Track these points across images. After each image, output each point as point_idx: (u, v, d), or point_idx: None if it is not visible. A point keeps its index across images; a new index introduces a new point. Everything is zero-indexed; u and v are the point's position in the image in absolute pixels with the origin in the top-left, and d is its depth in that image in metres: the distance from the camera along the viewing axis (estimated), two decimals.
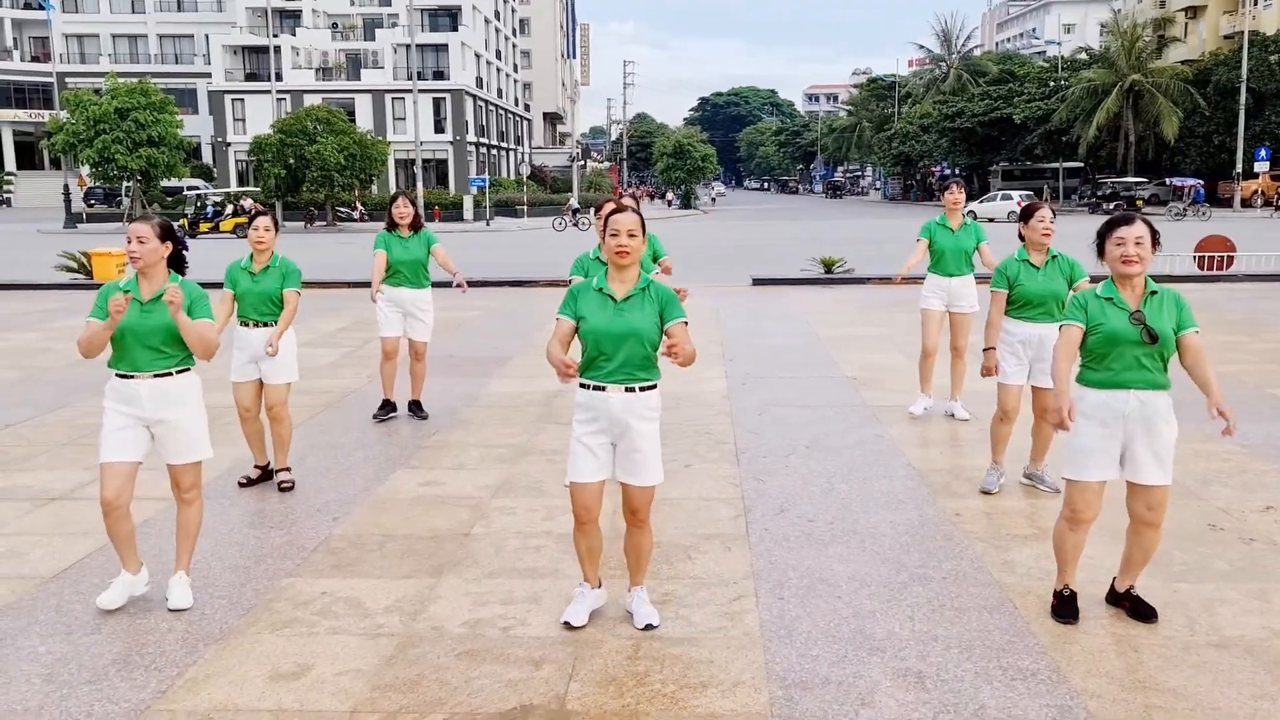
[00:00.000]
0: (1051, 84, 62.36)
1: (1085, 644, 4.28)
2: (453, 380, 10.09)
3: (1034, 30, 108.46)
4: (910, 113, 77.21)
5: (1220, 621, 4.48)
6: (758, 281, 19.26)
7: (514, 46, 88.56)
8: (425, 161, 58.12)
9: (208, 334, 4.64)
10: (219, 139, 65.24)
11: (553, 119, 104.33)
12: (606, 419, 4.28)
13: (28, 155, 74.94)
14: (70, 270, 20.58)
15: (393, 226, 8.18)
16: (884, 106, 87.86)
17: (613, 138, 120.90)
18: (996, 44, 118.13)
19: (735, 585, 4.94)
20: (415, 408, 8.56)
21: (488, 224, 48.07)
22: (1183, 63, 58.48)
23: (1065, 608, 4.51)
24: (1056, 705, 3.80)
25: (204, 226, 41.55)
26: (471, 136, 66.54)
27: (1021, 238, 6.29)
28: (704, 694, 3.91)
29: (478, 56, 70.91)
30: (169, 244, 4.68)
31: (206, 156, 70.18)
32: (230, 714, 3.80)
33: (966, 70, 77.87)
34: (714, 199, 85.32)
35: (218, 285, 6.75)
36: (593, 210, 7.07)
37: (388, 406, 8.56)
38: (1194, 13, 63.61)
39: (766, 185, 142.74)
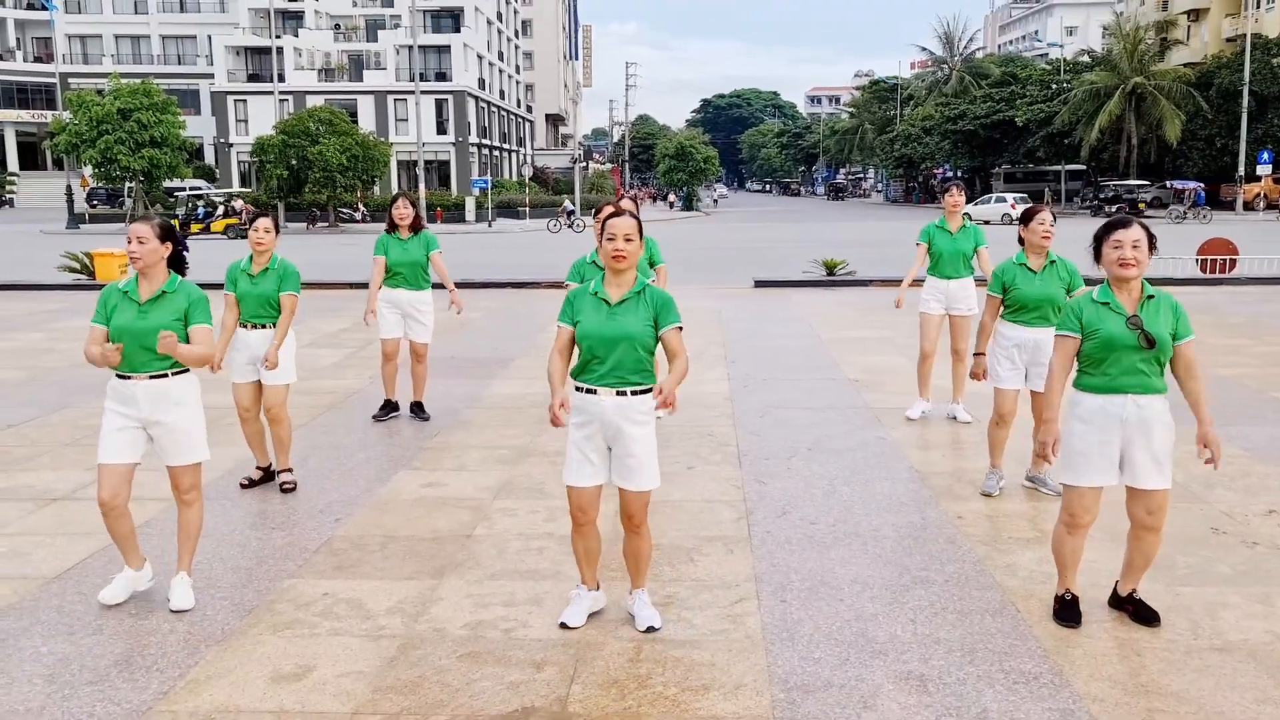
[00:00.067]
0: (1054, 86, 62.34)
1: (1088, 648, 4.28)
2: (455, 381, 10.09)
3: (1036, 33, 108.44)
4: (912, 115, 77.20)
5: (1223, 625, 4.47)
6: (760, 284, 19.26)
7: (516, 48, 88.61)
8: (427, 163, 58.18)
9: (204, 352, 4.66)
10: (221, 140, 65.30)
11: (555, 120, 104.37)
12: (599, 422, 4.27)
13: (31, 156, 75.02)
14: (73, 271, 20.60)
15: (393, 228, 8.19)
16: (886, 108, 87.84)
17: (615, 139, 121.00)
18: (999, 46, 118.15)
19: (737, 588, 4.94)
20: (417, 409, 8.56)
21: (490, 225, 48.10)
22: (1185, 65, 58.47)
23: (1067, 612, 4.50)
24: (1059, 709, 3.79)
25: (195, 227, 41.50)
26: (474, 138, 66.57)
27: (1021, 241, 6.28)
28: (706, 696, 3.90)
29: (480, 58, 70.96)
30: (169, 244, 4.69)
31: (209, 157, 70.23)
32: (232, 715, 3.80)
33: (969, 72, 77.85)
34: (716, 201, 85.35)
35: (211, 285, 6.75)
36: (592, 212, 7.07)
37: (389, 407, 8.56)
38: (1196, 15, 63.61)
39: (768, 187, 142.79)
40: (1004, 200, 50.05)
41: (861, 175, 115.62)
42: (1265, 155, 48.77)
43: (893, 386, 9.60)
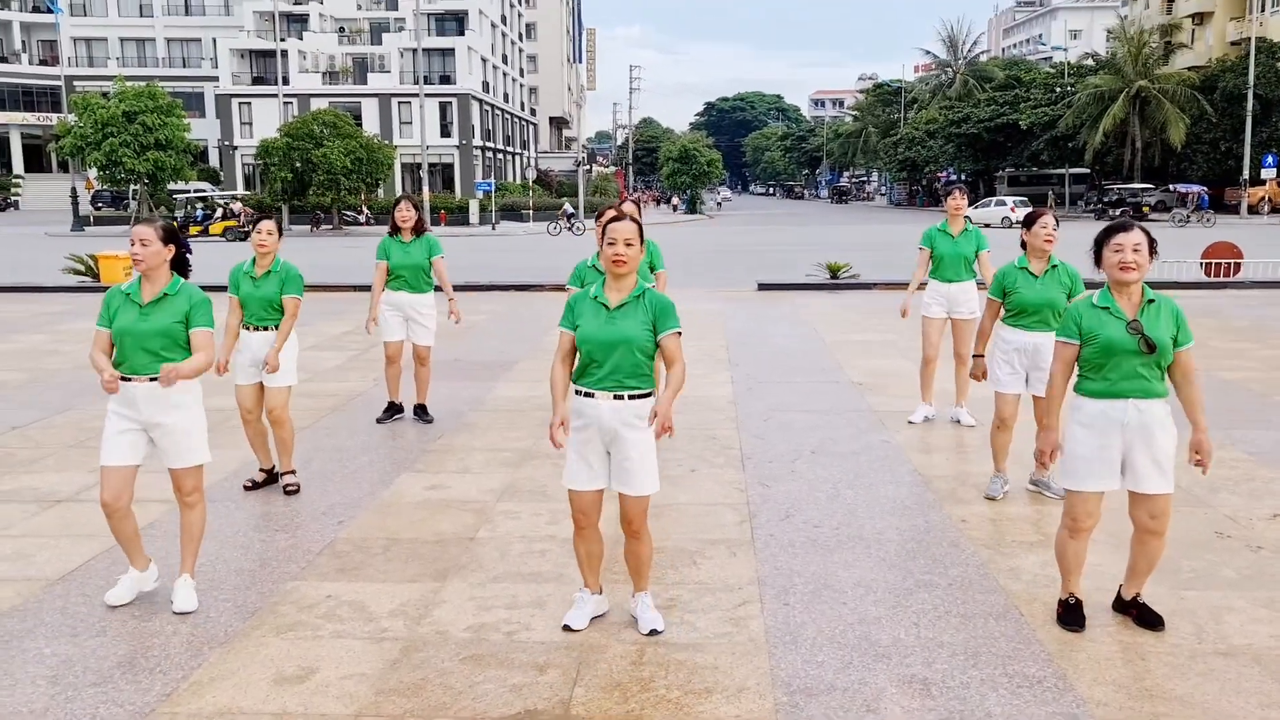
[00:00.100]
0: (1058, 90, 62.30)
1: (1091, 651, 4.27)
2: (459, 384, 10.10)
3: (1040, 36, 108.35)
4: (916, 118, 77.19)
5: (1228, 629, 4.46)
6: (763, 286, 19.26)
7: (520, 51, 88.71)
8: (431, 166, 58.25)
9: (205, 359, 4.66)
10: (226, 142, 65.40)
11: (559, 123, 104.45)
12: (596, 426, 4.27)
13: (36, 158, 75.23)
14: (77, 273, 20.63)
15: (395, 231, 8.21)
16: (890, 112, 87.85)
17: (619, 142, 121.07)
18: (1003, 50, 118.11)
19: (740, 591, 4.94)
20: (420, 411, 8.56)
21: (493, 228, 48.15)
22: (1190, 69, 58.43)
23: (1071, 615, 4.49)
24: (1063, 713, 3.78)
25: (193, 230, 41.53)
26: (478, 141, 66.63)
27: (1024, 245, 6.28)
28: (709, 699, 3.90)
29: (484, 61, 71.03)
30: (171, 247, 4.70)
31: (213, 160, 70.36)
32: (234, 717, 3.80)
33: (973, 76, 77.84)
34: (719, 204, 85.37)
35: (210, 288, 6.76)
36: (594, 216, 7.06)
37: (393, 409, 8.57)
38: (1201, 19, 63.53)
39: (772, 190, 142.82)
40: (1004, 203, 50.04)
41: (865, 178, 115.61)
42: (1270, 159, 48.69)
43: (896, 390, 9.59)
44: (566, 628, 4.48)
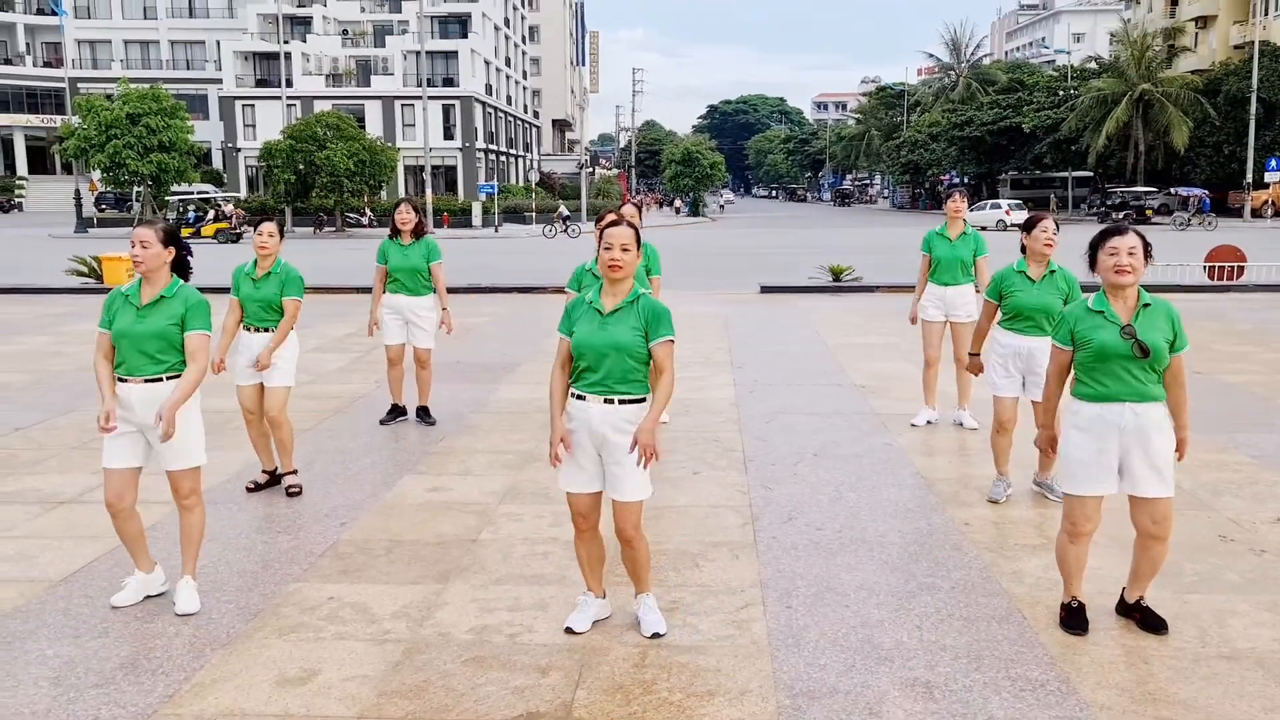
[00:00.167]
0: (1061, 93, 62.29)
1: (1095, 655, 4.26)
2: (461, 386, 10.10)
3: (1043, 39, 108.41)
4: (919, 121, 77.20)
5: (1231, 633, 4.45)
6: (766, 289, 19.25)
7: (523, 54, 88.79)
8: (434, 168, 58.31)
9: (199, 369, 4.66)
10: (229, 144, 65.50)
11: (561, 126, 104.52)
12: (586, 429, 4.27)
13: (40, 160, 75.35)
14: (81, 275, 20.66)
15: (395, 233, 8.24)
16: (893, 115, 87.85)
17: (621, 145, 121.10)
18: (1006, 53, 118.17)
19: (743, 593, 4.93)
20: (423, 413, 8.57)
21: (496, 230, 48.18)
22: (1193, 72, 58.40)
23: (1074, 619, 4.49)
24: (1066, 717, 3.78)
25: (185, 231, 41.51)
26: (480, 143, 66.69)
27: (1024, 248, 6.27)
28: (711, 702, 3.90)
29: (487, 64, 71.10)
30: (172, 249, 4.70)
31: (217, 162, 70.47)
32: (236, 718, 3.80)
33: (975, 79, 77.82)
34: (722, 207, 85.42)
35: (204, 289, 6.77)
36: (594, 219, 7.06)
37: (396, 411, 8.58)
38: (1204, 22, 63.50)
39: (775, 193, 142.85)
40: (999, 206, 50.02)
41: (868, 181, 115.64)
42: (1273, 162, 48.62)
43: (899, 392, 9.58)
44: (569, 630, 4.48)
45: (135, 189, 48.94)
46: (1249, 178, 50.15)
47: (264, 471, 6.74)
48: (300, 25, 68.09)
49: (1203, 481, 6.64)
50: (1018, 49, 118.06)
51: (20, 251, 33.26)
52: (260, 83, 65.72)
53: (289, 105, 57.34)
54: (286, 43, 60.59)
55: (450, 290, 9.17)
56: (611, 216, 5.17)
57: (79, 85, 65.87)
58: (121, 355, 4.67)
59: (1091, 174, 62.39)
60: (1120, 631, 4.47)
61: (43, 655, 4.32)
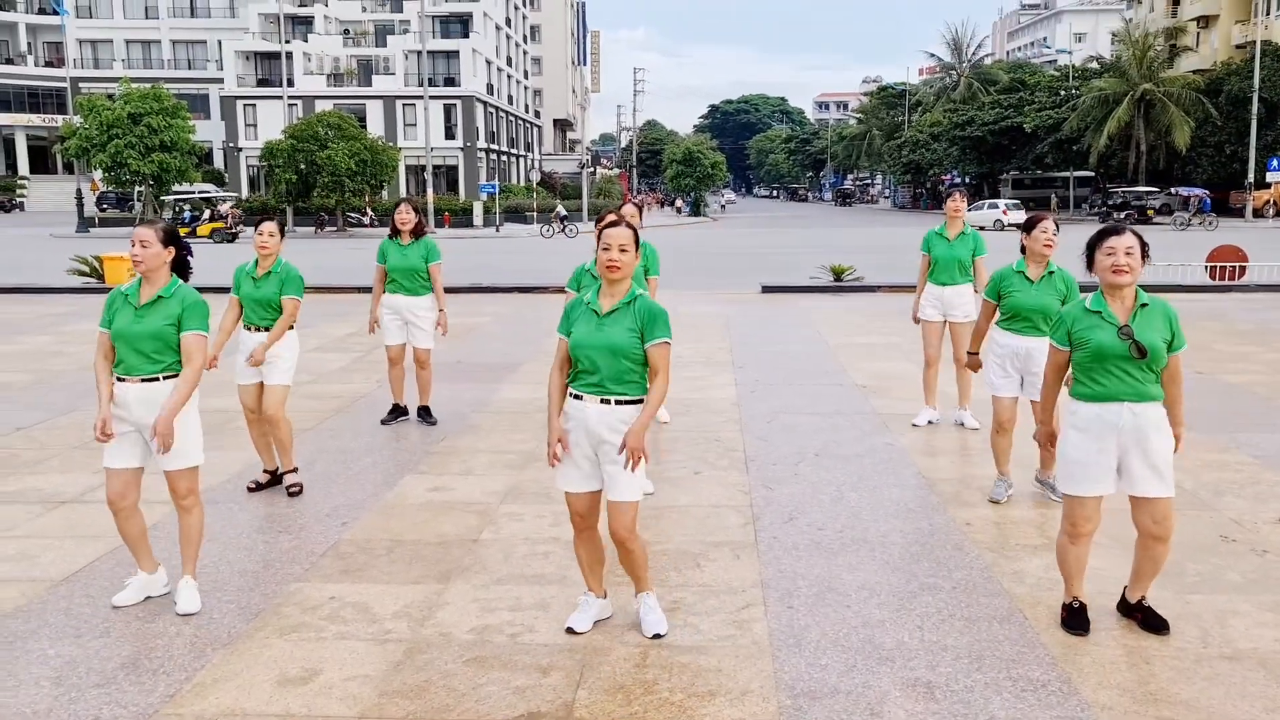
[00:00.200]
0: (1062, 93, 62.26)
1: (1096, 655, 4.26)
2: (463, 386, 10.10)
3: (1045, 39, 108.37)
4: (920, 121, 77.18)
5: (1233, 634, 4.45)
6: (767, 289, 19.25)
7: (525, 53, 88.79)
8: (436, 167, 58.32)
9: (195, 371, 4.64)
10: (231, 144, 65.53)
11: (563, 125, 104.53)
12: (583, 429, 4.27)
13: (41, 159, 75.41)
14: (82, 274, 20.67)
15: (395, 233, 8.25)
16: (894, 115, 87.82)
17: (622, 144, 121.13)
18: (1007, 53, 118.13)
19: (744, 593, 4.93)
20: (424, 413, 8.57)
21: (497, 230, 48.19)
22: (1194, 72, 58.36)
23: (1075, 619, 4.49)
24: (1067, 717, 3.77)
25: (181, 231, 41.33)
26: (482, 143, 66.71)
27: (1024, 249, 6.27)
28: (712, 702, 3.89)
29: (489, 63, 71.11)
30: (172, 249, 4.71)
31: (218, 162, 70.50)
32: (238, 718, 3.80)
33: (977, 79, 77.80)
34: (723, 206, 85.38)
35: (201, 289, 6.77)
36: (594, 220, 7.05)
37: (397, 411, 8.59)
38: (1206, 22, 63.47)
39: (776, 193, 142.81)
40: (995, 206, 50.02)
41: (869, 181, 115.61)
42: (1275, 162, 48.54)
43: (900, 392, 9.58)
44: (570, 630, 4.47)
45: (137, 189, 48.95)
46: (1250, 178, 50.12)
47: (265, 471, 6.74)
48: (301, 25, 68.11)
49: (1204, 482, 6.63)
50: (1019, 49, 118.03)
51: (22, 251, 33.29)
52: (262, 82, 65.73)
53: (290, 105, 57.36)
54: (288, 42, 60.60)
55: (452, 290, 9.18)
56: (612, 217, 5.16)
57: (80, 85, 65.87)
58: (120, 354, 4.68)
59: (1093, 174, 62.36)
60: (1122, 632, 4.47)
61: (44, 655, 4.32)
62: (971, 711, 3.82)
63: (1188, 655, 4.25)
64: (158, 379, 4.66)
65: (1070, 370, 4.48)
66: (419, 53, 57.13)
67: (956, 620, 4.61)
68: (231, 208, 44.08)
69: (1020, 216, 46.14)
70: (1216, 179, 54.30)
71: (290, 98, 58.12)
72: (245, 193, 61.83)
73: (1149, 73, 55.57)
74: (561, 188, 69.29)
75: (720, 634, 4.48)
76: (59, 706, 3.89)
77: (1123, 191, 53.13)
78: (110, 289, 14.99)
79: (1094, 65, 65.36)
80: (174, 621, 4.64)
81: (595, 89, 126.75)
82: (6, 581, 5.13)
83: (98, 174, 49.87)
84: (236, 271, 6.60)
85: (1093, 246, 4.38)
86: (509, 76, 79.64)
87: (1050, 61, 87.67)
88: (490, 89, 70.82)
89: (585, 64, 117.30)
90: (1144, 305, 4.30)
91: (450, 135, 64.57)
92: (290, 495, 6.54)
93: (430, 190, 49.98)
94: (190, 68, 76.45)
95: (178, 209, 43.96)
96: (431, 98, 55.00)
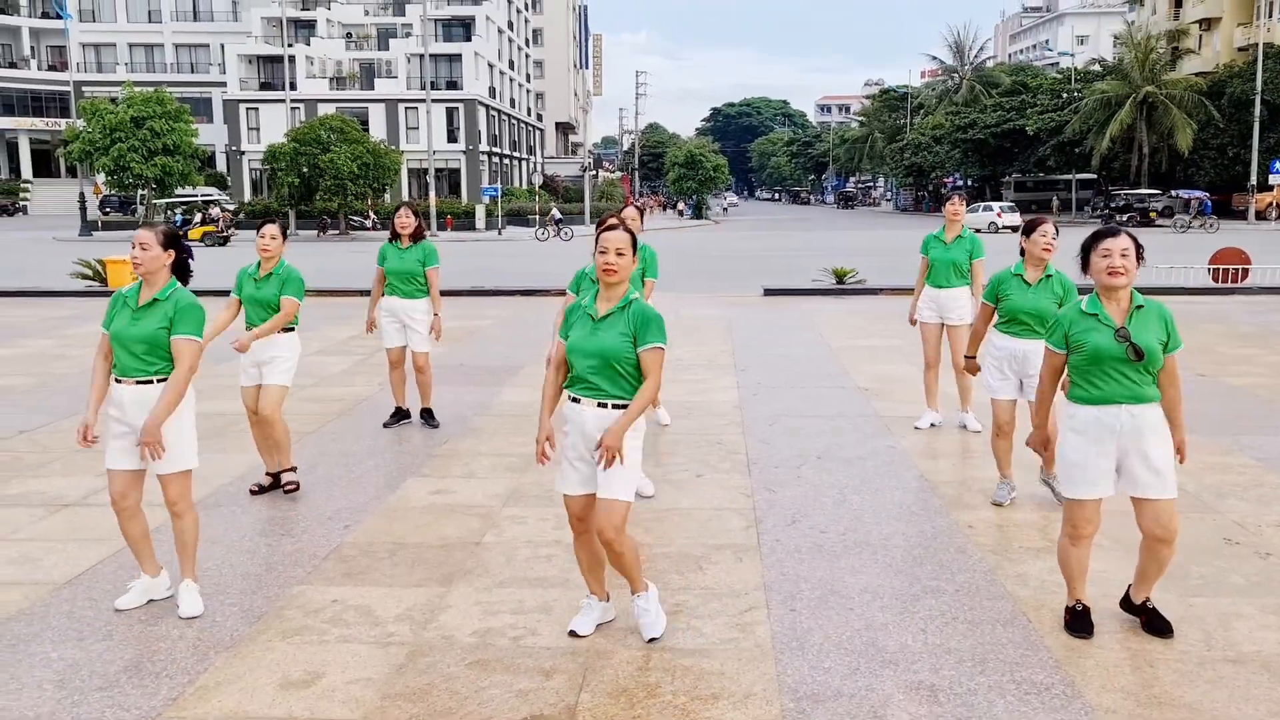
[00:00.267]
0: (1064, 95, 62.24)
1: (1100, 659, 4.25)
2: (464, 389, 10.10)
3: (1047, 42, 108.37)
4: (922, 124, 77.19)
5: (1236, 636, 4.44)
6: (769, 292, 19.24)
7: (527, 56, 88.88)
8: (438, 171, 58.35)
9: (184, 374, 4.62)
10: (233, 148, 65.63)
11: (565, 129, 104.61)
12: (580, 432, 4.27)
13: (44, 163, 75.56)
14: (85, 278, 20.71)
15: (395, 236, 8.28)
16: (896, 117, 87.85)
17: (625, 148, 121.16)
18: (1009, 55, 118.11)
19: (747, 596, 4.93)
20: (427, 415, 8.58)
21: (500, 233, 48.22)
22: (1197, 74, 58.35)
23: (1078, 622, 4.48)
24: None
25: None
26: (484, 146, 66.76)
27: (1023, 252, 6.27)
28: (715, 705, 3.89)
29: (491, 66, 71.18)
30: (171, 252, 4.71)
31: (221, 165, 70.59)
32: None
33: (979, 81, 77.82)
34: (726, 209, 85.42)
35: (201, 293, 6.77)
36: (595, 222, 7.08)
37: (400, 414, 8.60)
38: (1208, 25, 63.46)
39: (778, 196, 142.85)
40: (990, 209, 50.05)
41: (871, 184, 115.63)
42: (1277, 164, 48.58)
43: (902, 395, 9.57)
44: (572, 633, 4.47)
45: (140, 192, 49.01)
46: (1253, 180, 50.10)
47: (268, 474, 6.74)
48: (304, 28, 68.23)
49: (1207, 484, 6.62)
50: (1021, 51, 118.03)
51: (25, 255, 33.33)
52: (264, 86, 65.85)
53: (293, 108, 57.45)
54: (290, 46, 60.69)
55: (454, 293, 9.18)
56: (612, 220, 5.17)
57: (83, 89, 66.03)
58: (116, 356, 4.71)
59: (1095, 176, 62.34)
60: (1125, 635, 4.46)
61: (47, 658, 4.32)
62: (975, 715, 3.81)
63: (1191, 658, 4.24)
64: (151, 381, 4.67)
65: (1066, 374, 4.48)
66: (421, 56, 57.17)
67: (959, 623, 4.60)
68: (222, 211, 44.08)
69: (1015, 219, 46.25)
70: (1219, 181, 54.27)
71: (293, 101, 58.20)
72: (248, 196, 61.93)
73: (1151, 75, 55.56)
74: (564, 191, 69.35)
75: (723, 637, 4.48)
76: (61, 710, 3.89)
77: (1125, 194, 53.14)
78: (112, 293, 15.03)
79: (1096, 68, 65.38)
80: (176, 624, 4.64)
81: (597, 92, 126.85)
82: (9, 584, 5.14)
83: (100, 177, 50.00)
84: (239, 273, 6.62)
85: (1088, 249, 4.38)
86: (511, 80, 79.71)
87: (1052, 64, 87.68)
88: (492, 92, 70.88)
89: (587, 67, 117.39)
90: (1139, 307, 4.30)
91: (452, 139, 64.63)
92: (286, 493, 6.55)
93: (432, 193, 50.02)
94: (193, 71, 76.60)
95: (168, 212, 43.93)
96: (434, 101, 55.08)
